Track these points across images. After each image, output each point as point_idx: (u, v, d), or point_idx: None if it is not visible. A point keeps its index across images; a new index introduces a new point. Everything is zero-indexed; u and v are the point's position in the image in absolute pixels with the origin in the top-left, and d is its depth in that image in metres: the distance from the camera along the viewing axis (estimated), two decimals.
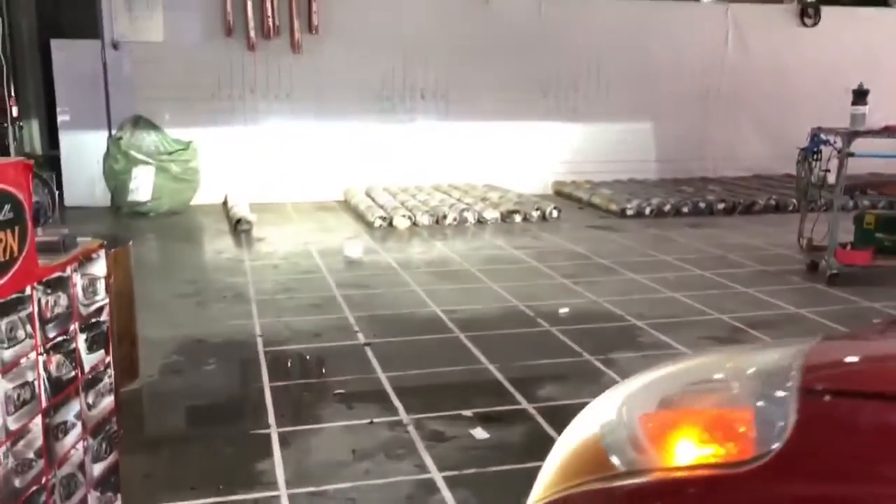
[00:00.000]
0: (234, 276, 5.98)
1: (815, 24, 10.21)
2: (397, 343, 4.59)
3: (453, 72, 9.48)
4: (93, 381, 2.21)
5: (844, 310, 5.19)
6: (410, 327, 4.85)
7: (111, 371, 2.30)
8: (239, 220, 7.59)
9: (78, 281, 2.10)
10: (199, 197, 8.85)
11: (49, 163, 9.86)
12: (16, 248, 1.78)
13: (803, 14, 10.16)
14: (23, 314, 1.83)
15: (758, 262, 6.48)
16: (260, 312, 5.08)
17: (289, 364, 4.30)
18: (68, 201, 8.72)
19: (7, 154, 4.98)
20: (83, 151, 8.64)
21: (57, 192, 2.27)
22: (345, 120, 9.28)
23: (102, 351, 2.27)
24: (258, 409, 3.65)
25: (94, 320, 2.21)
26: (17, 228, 1.78)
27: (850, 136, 5.53)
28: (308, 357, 4.41)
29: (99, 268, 2.22)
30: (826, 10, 10.43)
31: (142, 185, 8.43)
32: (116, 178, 8.45)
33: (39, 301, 1.90)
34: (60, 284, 2.01)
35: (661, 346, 4.50)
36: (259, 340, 4.57)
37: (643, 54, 9.97)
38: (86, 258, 2.15)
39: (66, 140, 8.73)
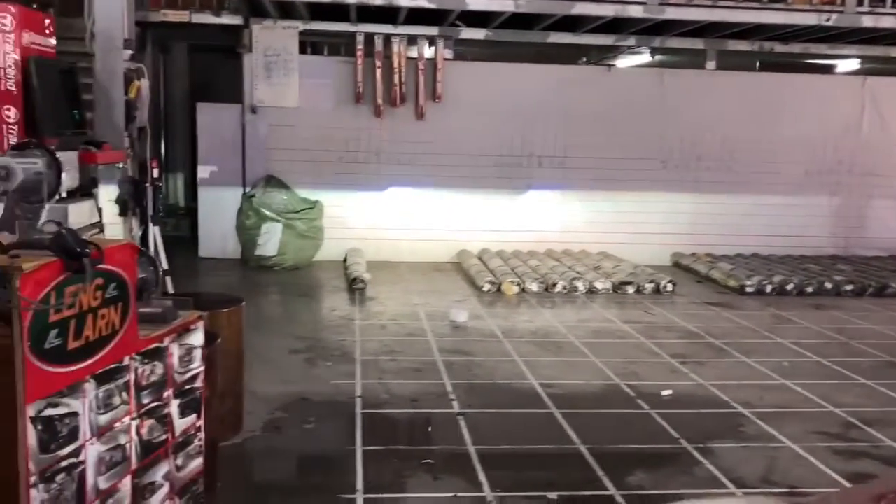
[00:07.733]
0: (344, 335, 6.19)
1: None
2: (491, 415, 4.62)
3: (572, 139, 9.54)
4: (183, 444, 2.38)
5: None
6: (506, 399, 4.86)
7: (202, 434, 2.47)
8: (355, 279, 7.87)
9: (175, 351, 2.29)
10: (322, 253, 9.25)
11: (189, 214, 10.63)
12: (117, 323, 1.98)
13: None
14: (120, 382, 2.02)
15: (885, 351, 6.08)
16: (363, 373, 5.24)
17: (383, 428, 4.40)
18: (202, 253, 9.32)
19: (145, 211, 5.43)
20: (219, 207, 9.23)
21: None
22: (463, 184, 9.50)
23: (195, 415, 2.44)
24: (348, 473, 3.75)
25: (188, 387, 2.39)
26: (119, 305, 1.98)
27: None
28: (402, 422, 4.51)
29: (196, 338, 2.41)
30: None
31: (269, 241, 8.92)
32: (247, 233, 8.97)
33: (136, 370, 2.09)
34: (157, 354, 2.20)
35: (764, 437, 4.31)
36: (358, 402, 4.71)
37: (771, 126, 9.69)
38: (184, 329, 2.34)
39: (204, 196, 9.36)
